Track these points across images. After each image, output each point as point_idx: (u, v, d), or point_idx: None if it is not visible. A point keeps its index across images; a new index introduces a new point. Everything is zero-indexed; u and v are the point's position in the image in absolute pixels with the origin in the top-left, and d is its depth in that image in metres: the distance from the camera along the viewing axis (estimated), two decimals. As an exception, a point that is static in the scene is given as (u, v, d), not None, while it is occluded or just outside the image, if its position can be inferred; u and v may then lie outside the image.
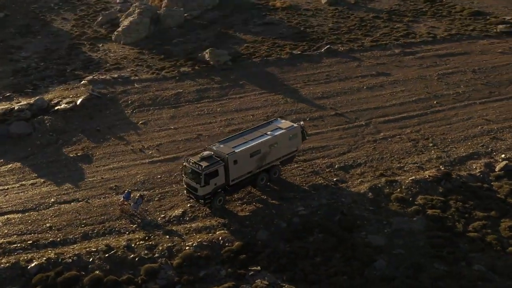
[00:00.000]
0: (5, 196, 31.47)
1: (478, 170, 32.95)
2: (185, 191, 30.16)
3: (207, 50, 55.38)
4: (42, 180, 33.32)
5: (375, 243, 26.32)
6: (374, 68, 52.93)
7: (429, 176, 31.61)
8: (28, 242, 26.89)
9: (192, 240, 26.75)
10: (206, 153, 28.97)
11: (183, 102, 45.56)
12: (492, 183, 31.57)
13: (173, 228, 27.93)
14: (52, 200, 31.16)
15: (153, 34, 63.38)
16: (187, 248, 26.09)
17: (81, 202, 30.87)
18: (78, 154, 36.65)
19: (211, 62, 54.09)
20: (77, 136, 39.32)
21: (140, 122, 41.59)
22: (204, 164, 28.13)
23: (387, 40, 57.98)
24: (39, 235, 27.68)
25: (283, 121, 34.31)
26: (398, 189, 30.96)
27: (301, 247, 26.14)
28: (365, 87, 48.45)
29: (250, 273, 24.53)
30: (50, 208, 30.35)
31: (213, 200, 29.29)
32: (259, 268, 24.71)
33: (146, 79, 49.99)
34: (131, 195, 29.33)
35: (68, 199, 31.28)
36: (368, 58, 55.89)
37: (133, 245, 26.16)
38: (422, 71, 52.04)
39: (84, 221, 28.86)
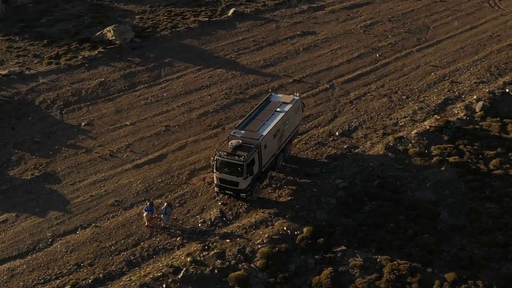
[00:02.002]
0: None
1: (462, 114, 39.38)
2: (215, 189, 30.38)
3: (109, 28, 52.97)
4: (13, 215, 29.89)
5: (427, 198, 30.54)
6: (296, 28, 57.08)
7: (430, 127, 36.89)
8: (66, 288, 24.74)
9: (258, 237, 27.55)
10: (234, 142, 29.54)
11: (115, 92, 43.71)
12: (480, 123, 38.22)
13: (224, 230, 28.19)
14: (49, 234, 28.47)
15: (7, 14, 57.88)
16: (260, 246, 26.93)
17: (89, 228, 28.83)
18: (35, 174, 33.36)
19: (117, 42, 51.96)
20: (14, 153, 35.46)
21: (83, 124, 39.08)
22: (243, 154, 28.84)
23: (287, -3, 62.09)
24: (71, 277, 25.53)
25: (280, 95, 36.12)
26: (410, 144, 35.55)
27: (366, 217, 29.03)
28: (301, 49, 52.26)
29: (338, 255, 26.63)
30: (54, 244, 27.74)
31: (253, 191, 30.28)
32: (344, 247, 26.98)
33: (48, 72, 46.30)
34: (154, 206, 28.71)
35: (68, 228, 28.89)
36: (281, 17, 59.76)
37: (198, 258, 26.03)
38: (344, 25, 57.90)
39: (113, 248, 27.31)
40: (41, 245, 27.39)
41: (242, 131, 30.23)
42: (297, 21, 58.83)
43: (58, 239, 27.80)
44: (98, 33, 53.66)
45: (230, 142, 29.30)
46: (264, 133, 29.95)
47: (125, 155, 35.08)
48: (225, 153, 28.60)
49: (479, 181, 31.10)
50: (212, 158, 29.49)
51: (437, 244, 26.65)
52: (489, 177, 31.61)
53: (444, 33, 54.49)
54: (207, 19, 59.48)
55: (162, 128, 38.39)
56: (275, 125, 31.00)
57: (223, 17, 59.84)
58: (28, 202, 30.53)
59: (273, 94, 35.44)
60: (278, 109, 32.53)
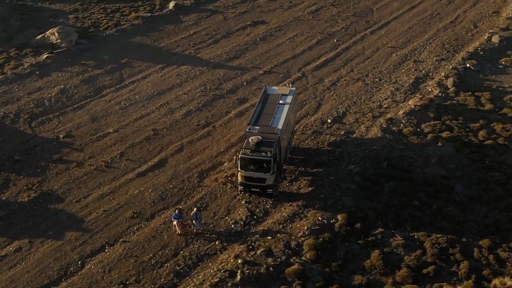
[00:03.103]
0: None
1: (437, 91, 42.81)
2: (239, 188, 30.90)
3: (53, 31, 50.84)
4: (25, 241, 28.40)
5: (438, 173, 33.26)
6: (244, 18, 58.25)
7: (415, 106, 39.81)
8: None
9: (298, 230, 28.40)
10: (254, 138, 30.22)
11: (81, 99, 42.32)
12: (455, 99, 41.86)
13: (260, 228, 28.78)
14: (75, 256, 27.39)
15: None
16: (303, 239, 28.04)
17: (118, 244, 28.04)
18: (32, 195, 31.75)
19: (63, 45, 50.11)
20: (-3, 175, 33.45)
21: (62, 136, 37.50)
22: (268, 149, 29.65)
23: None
24: (121, 297, 25.08)
25: (276, 87, 37.13)
26: (401, 124, 38.16)
27: (389, 198, 31.13)
28: (258, 39, 53.49)
29: (378, 237, 28.49)
30: (87, 266, 26.73)
31: (277, 186, 31.26)
32: (381, 229, 28.88)
33: (-4, 83, 43.64)
34: (182, 213, 28.76)
35: (95, 247, 27.92)
36: (225, 8, 60.66)
37: (248, 259, 26.61)
38: (291, 12, 59.96)
39: (153, 261, 26.88)
40: (72, 269, 26.29)
41: (257, 127, 30.79)
42: (242, 11, 59.62)
43: (88, 260, 26.80)
44: (39, 36, 50.98)
45: (250, 139, 29.78)
46: (280, 127, 30.78)
47: (123, 165, 34.18)
48: (249, 151, 29.07)
49: (476, 153, 33.96)
50: (235, 157, 29.80)
51: (462, 215, 29.03)
52: (483, 148, 34.76)
53: (388, 14, 58.01)
54: (149, 14, 58.58)
55: (150, 132, 37.72)
56: (285, 117, 31.89)
57: (164, 11, 59.28)
58: (36, 226, 28.96)
59: (267, 87, 36.16)
60: (281, 102, 33.39)
